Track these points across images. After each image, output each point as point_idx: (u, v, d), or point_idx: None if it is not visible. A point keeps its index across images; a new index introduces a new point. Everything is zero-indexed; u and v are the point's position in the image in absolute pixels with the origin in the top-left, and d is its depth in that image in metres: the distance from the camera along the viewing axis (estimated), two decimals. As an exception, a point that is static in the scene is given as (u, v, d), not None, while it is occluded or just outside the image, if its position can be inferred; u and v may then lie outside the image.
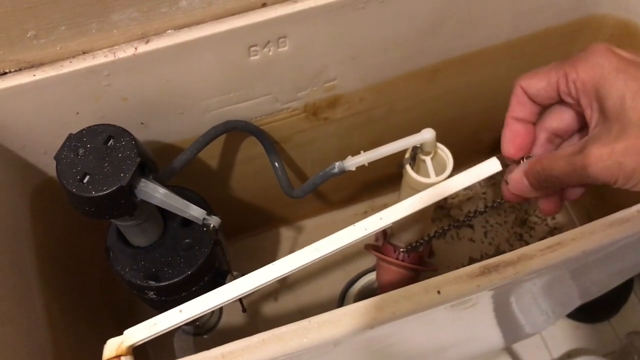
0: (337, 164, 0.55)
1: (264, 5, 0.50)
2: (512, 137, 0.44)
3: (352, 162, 0.54)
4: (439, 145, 0.58)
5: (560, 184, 0.41)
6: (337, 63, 0.57)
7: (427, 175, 0.57)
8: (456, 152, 0.54)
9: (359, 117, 0.66)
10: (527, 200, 0.44)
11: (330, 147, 0.69)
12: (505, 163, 0.45)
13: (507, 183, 0.45)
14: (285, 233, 0.85)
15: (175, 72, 0.51)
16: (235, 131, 0.59)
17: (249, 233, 0.84)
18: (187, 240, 0.55)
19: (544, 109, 0.44)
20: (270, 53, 0.53)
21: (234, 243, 0.83)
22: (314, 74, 0.57)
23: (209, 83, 0.54)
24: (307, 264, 0.43)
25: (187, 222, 0.56)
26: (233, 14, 0.50)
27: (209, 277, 0.56)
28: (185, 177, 0.56)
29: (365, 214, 0.86)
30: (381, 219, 0.45)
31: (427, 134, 0.54)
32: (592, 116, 0.40)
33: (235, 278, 0.56)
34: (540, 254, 0.40)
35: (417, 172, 0.57)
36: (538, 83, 0.42)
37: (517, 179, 0.43)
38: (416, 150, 0.56)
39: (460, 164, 0.53)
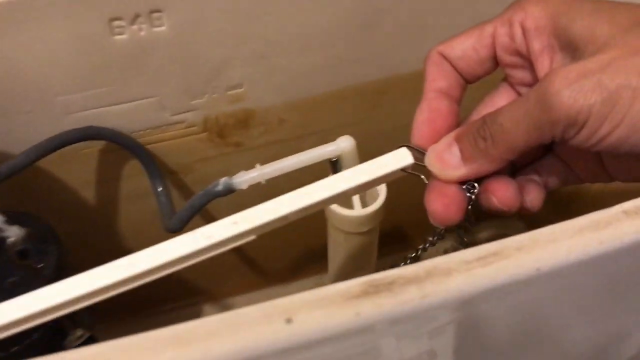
0: (222, 180, 0.40)
1: (131, -35, 0.39)
2: (431, 116, 0.31)
3: (244, 179, 0.40)
4: (369, 169, 0.43)
5: (509, 144, 0.27)
6: (241, 61, 0.45)
7: (351, 207, 0.42)
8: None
9: (283, 146, 0.52)
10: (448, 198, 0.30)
11: (250, 188, 0.54)
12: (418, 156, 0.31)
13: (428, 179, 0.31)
14: (207, 312, 0.69)
15: (13, 45, 0.39)
16: (101, 141, 0.45)
17: (159, 308, 0.68)
18: (13, 279, 0.40)
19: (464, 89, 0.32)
20: (143, 33, 0.41)
21: (139, 321, 0.67)
22: (210, 73, 0.44)
23: (65, 69, 0.41)
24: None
25: (24, 253, 0.42)
26: (88, -28, 0.38)
27: (40, 333, 0.41)
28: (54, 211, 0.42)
29: (313, 294, 0.70)
30: (235, 222, 0.30)
31: (344, 143, 0.40)
32: (550, 62, 0.29)
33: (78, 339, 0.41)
34: (464, 268, 0.24)
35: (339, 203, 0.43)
36: (464, 42, 0.31)
37: (441, 149, 0.30)
38: (334, 168, 0.41)
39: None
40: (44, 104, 0.42)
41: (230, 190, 0.40)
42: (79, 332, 0.42)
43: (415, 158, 0.30)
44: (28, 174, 0.45)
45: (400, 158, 0.30)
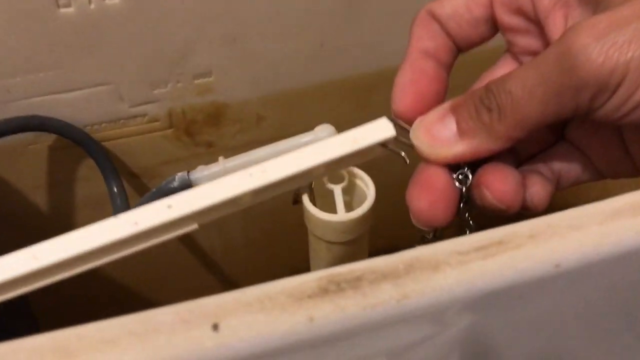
0: (178, 175, 0.34)
1: None
2: (414, 77, 0.25)
3: (204, 174, 0.34)
4: (353, 169, 0.37)
5: (520, 117, 0.21)
6: (208, 45, 0.39)
7: (334, 211, 0.36)
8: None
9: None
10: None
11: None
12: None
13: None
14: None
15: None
16: (50, 138, 0.39)
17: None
18: None
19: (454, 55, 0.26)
20: (92, 6, 0.35)
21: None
22: (173, 57, 0.39)
23: (4, 48, 0.36)
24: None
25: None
26: None
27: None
28: None
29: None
30: (170, 206, 0.23)
31: (323, 132, 0.34)
32: (564, 20, 0.23)
33: None
34: (457, 260, 0.18)
35: (321, 207, 0.37)
36: (459, 6, 0.25)
37: (432, 120, 0.23)
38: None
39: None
40: (-19, 88, 0.37)
41: (187, 187, 0.34)
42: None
43: (399, 133, 0.24)
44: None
45: (379, 130, 0.24)
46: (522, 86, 0.21)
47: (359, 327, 0.17)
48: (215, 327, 0.17)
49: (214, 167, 0.34)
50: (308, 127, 0.46)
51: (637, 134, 0.24)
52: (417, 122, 0.24)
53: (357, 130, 0.24)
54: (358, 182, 0.38)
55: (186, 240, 0.52)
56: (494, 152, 0.23)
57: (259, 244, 0.55)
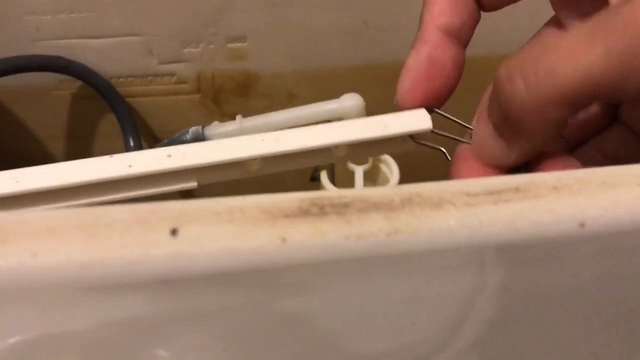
0: (192, 129, 0.33)
1: None
2: (431, 71, 0.22)
3: (218, 131, 0.32)
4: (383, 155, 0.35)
5: (567, 102, 0.17)
6: (246, 5, 0.37)
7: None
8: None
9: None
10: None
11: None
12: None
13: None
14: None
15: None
16: (74, 86, 0.38)
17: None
18: None
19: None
20: (133, -53, 0.34)
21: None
22: (208, 14, 0.37)
23: (36, -20, 0.35)
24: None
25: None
26: None
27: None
28: None
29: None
30: (169, 155, 0.21)
31: (349, 101, 0.32)
32: None
33: None
34: (464, 201, 0.15)
35: (339, 187, 0.35)
36: None
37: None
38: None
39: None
40: (11, 20, 0.36)
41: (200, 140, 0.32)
42: None
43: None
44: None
45: (415, 120, 0.22)
46: (567, 62, 0.17)
47: (339, 259, 0.15)
48: (174, 232, 0.15)
49: (230, 125, 0.32)
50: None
51: None
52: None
53: (390, 115, 0.22)
54: (382, 166, 0.36)
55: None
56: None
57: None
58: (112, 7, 0.36)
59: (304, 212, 0.15)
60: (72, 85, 0.39)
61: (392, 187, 0.16)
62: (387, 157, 0.35)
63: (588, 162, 0.23)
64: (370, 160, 0.35)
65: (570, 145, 0.24)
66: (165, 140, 0.33)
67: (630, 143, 0.23)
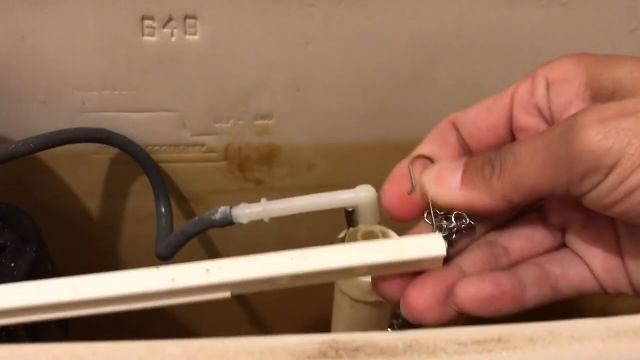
0: (221, 208, 0.36)
1: (174, -34, 0.36)
2: (397, 178, 0.28)
3: (245, 212, 0.36)
4: (388, 231, 0.39)
5: (517, 178, 0.23)
6: (274, 90, 0.41)
7: (362, 269, 0.37)
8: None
9: (306, 193, 0.48)
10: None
11: (266, 231, 0.50)
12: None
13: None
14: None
15: (35, 25, 0.37)
16: (112, 151, 0.42)
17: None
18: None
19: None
20: (173, 38, 0.38)
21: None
22: (239, 95, 0.41)
23: (85, 61, 0.39)
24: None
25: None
26: (129, -35, 0.36)
27: None
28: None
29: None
30: (207, 270, 0.25)
31: (363, 192, 0.35)
32: None
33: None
34: (455, 350, 0.19)
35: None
36: (479, 105, 0.28)
37: (445, 168, 0.25)
38: (349, 220, 0.36)
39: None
40: (61, 95, 0.40)
41: (228, 222, 0.36)
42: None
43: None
44: (31, 167, 0.43)
45: (430, 246, 0.25)
46: (525, 149, 0.22)
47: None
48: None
49: (255, 207, 0.36)
50: (356, 181, 0.47)
51: (632, 241, 0.24)
52: (434, 166, 0.26)
53: (408, 239, 0.25)
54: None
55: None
56: (487, 208, 0.24)
57: (289, 291, 0.56)
58: (152, 86, 0.40)
59: (322, 354, 0.19)
60: (110, 150, 0.43)
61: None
62: (394, 235, 0.38)
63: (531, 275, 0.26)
64: (380, 237, 0.38)
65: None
66: (196, 218, 0.37)
67: (574, 264, 0.26)
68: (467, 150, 0.28)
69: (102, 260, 0.52)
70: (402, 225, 0.38)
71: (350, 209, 0.36)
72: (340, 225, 0.37)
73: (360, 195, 0.35)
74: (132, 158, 0.42)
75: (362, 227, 0.37)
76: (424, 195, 0.26)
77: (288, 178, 0.47)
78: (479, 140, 0.27)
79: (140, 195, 0.46)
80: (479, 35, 0.40)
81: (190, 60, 0.39)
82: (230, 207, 0.36)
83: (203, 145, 0.44)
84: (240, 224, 0.36)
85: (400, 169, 0.28)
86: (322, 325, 0.62)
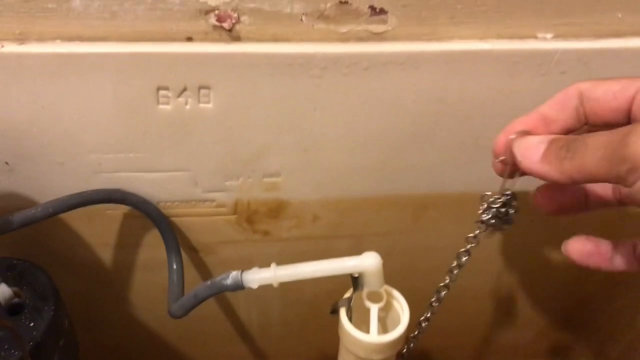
0: (232, 273, 0.38)
1: (188, 39, 0.38)
2: (523, 124, 0.33)
3: (255, 277, 0.38)
4: (392, 290, 0.40)
5: (583, 164, 0.27)
6: (282, 150, 0.43)
7: (367, 330, 0.39)
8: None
9: (312, 244, 0.49)
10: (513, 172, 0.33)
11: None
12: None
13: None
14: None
15: (55, 95, 0.38)
16: (126, 207, 0.44)
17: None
18: None
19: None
20: (188, 106, 0.39)
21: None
22: (248, 156, 0.43)
23: (102, 127, 0.40)
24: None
25: (17, 308, 0.40)
26: (144, 40, 0.38)
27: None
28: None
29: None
30: None
31: (368, 260, 0.37)
32: None
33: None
34: None
35: (356, 323, 0.39)
36: (609, 86, 0.31)
37: (533, 142, 0.31)
38: (355, 285, 0.38)
39: None
40: (77, 158, 0.42)
41: (239, 287, 0.37)
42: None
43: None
44: (47, 224, 0.44)
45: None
46: (594, 142, 0.27)
47: None
48: None
49: (265, 272, 0.37)
50: (358, 232, 0.50)
51: None
52: (527, 137, 0.31)
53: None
54: (395, 303, 0.41)
55: (227, 309, 0.56)
56: (555, 181, 0.29)
57: (294, 326, 0.58)
58: (166, 149, 0.42)
59: None
60: (125, 207, 0.45)
61: None
62: (399, 296, 0.40)
63: None
64: (385, 298, 0.40)
65: None
66: (208, 282, 0.38)
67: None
68: (583, 119, 0.32)
69: (116, 308, 0.53)
70: (408, 286, 0.40)
71: (355, 275, 0.38)
72: (342, 278, 0.38)
73: (366, 262, 0.37)
74: (146, 216, 0.44)
75: (367, 289, 0.39)
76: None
77: (295, 229, 0.48)
78: (598, 116, 0.31)
79: (152, 247, 0.48)
80: (480, 101, 0.42)
81: (203, 126, 0.40)
82: (242, 272, 0.38)
83: (213, 201, 0.45)
84: (251, 288, 0.38)
85: (502, 138, 0.33)
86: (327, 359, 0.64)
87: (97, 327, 0.56)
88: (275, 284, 0.37)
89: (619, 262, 0.33)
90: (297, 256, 0.50)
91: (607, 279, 0.58)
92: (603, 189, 0.35)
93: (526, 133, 0.32)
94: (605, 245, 0.33)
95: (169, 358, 0.60)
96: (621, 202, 0.35)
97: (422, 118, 0.42)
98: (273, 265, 0.38)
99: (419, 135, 0.43)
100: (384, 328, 0.41)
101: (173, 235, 0.44)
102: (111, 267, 0.49)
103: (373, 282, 0.37)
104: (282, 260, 0.51)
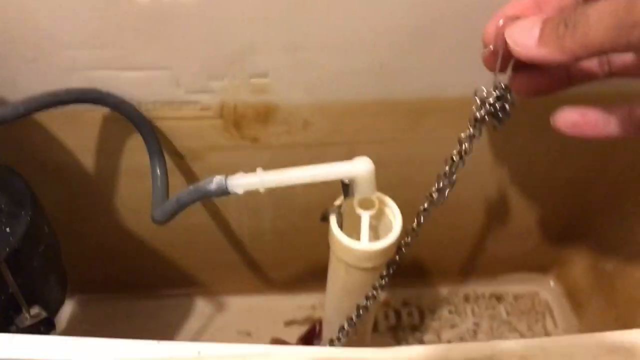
0: (216, 178, 0.36)
1: None
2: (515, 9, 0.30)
3: (240, 182, 0.35)
4: (384, 198, 0.38)
5: (586, 38, 0.25)
6: (270, 48, 0.40)
7: (358, 237, 0.37)
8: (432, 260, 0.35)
9: (304, 152, 0.47)
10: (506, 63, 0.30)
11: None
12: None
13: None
14: (200, 305, 0.65)
15: (20, -16, 0.35)
16: (105, 109, 0.41)
17: (149, 291, 0.64)
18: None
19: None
20: (166, -3, 0.36)
21: (119, 302, 0.63)
22: (234, 54, 0.40)
23: (77, 21, 0.37)
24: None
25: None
26: None
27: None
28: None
29: (314, 309, 0.65)
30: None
31: (360, 165, 0.35)
32: None
33: (32, 318, 0.37)
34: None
35: (347, 231, 0.38)
36: None
37: (524, 26, 0.28)
38: (346, 191, 0.36)
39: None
40: (50, 54, 0.39)
41: (223, 192, 0.35)
42: (34, 310, 0.38)
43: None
44: (22, 127, 0.42)
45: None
46: (597, 12, 0.24)
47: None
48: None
49: (251, 178, 0.35)
50: (351, 139, 0.47)
51: None
52: (517, 22, 0.28)
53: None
54: (387, 210, 0.39)
55: (217, 217, 0.54)
56: (557, 62, 0.26)
57: (285, 234, 0.56)
58: (144, 45, 0.38)
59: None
60: (104, 108, 0.42)
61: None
62: (391, 203, 0.38)
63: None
64: (377, 205, 0.38)
65: None
66: (191, 187, 0.36)
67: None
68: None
69: (101, 216, 0.52)
70: (402, 199, 0.38)
71: (346, 181, 0.35)
72: (336, 187, 0.36)
73: (357, 167, 0.35)
74: (126, 118, 0.41)
75: (358, 196, 0.37)
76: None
77: (285, 136, 0.46)
78: (551, 4, 0.30)
79: (136, 152, 0.45)
80: (485, -5, 0.38)
81: (183, 20, 0.37)
82: (226, 177, 0.35)
83: (197, 102, 0.43)
84: (236, 194, 0.36)
85: (491, 25, 0.30)
86: (320, 274, 0.63)
87: (82, 236, 0.55)
88: (261, 190, 0.35)
89: (613, 128, 0.31)
90: (288, 164, 0.48)
91: (609, 189, 0.56)
92: (587, 62, 0.33)
93: (517, 18, 0.29)
94: (593, 114, 0.31)
95: (157, 267, 0.59)
96: (611, 74, 0.32)
97: (422, 14, 0.39)
98: (259, 169, 0.36)
99: (419, 33, 0.40)
100: (375, 236, 0.39)
101: (155, 138, 0.42)
102: (93, 173, 0.47)
103: (364, 188, 0.35)
104: (271, 168, 0.49)
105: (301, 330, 0.63)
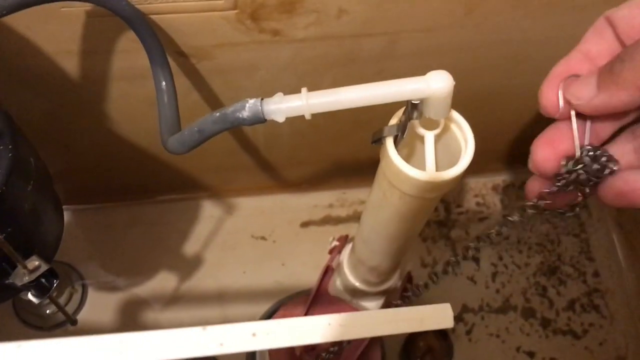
0: (249, 102, 0.28)
1: None
2: (564, 72, 0.27)
3: (281, 107, 0.28)
4: (456, 114, 0.31)
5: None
6: None
7: (422, 165, 0.30)
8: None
9: (335, 45, 0.39)
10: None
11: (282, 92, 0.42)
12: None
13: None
14: (208, 209, 0.59)
15: None
16: (86, 3, 0.32)
17: (153, 196, 0.58)
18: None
19: None
20: None
21: (119, 210, 0.57)
22: None
23: None
24: None
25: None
26: None
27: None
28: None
29: (331, 208, 0.60)
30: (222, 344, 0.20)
31: (436, 81, 0.27)
32: None
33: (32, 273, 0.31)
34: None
35: (405, 155, 0.31)
36: (634, 8, 0.26)
37: (582, 80, 0.25)
38: (412, 113, 0.29)
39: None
40: None
41: (259, 120, 0.28)
42: (32, 263, 0.32)
43: None
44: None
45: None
46: None
47: None
48: None
49: (294, 100, 0.27)
50: (393, 30, 0.39)
51: None
52: (573, 79, 0.26)
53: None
54: (453, 127, 0.32)
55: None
56: (624, 101, 0.24)
57: (305, 135, 0.50)
58: None
59: None
60: (85, 3, 0.33)
61: None
62: (459, 118, 0.31)
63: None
64: (442, 122, 0.31)
65: None
66: (217, 114, 0.28)
67: None
68: (624, 46, 0.26)
69: (93, 126, 0.44)
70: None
71: (416, 101, 0.28)
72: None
73: (433, 86, 0.27)
74: (114, 14, 0.32)
75: (427, 117, 0.30)
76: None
77: (313, 27, 0.37)
78: (628, 34, 0.26)
79: (128, 53, 0.37)
80: None
81: None
82: (262, 101, 0.28)
83: (206, -8, 0.33)
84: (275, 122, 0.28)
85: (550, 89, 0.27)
86: (342, 168, 0.57)
87: (74, 151, 0.47)
88: (307, 116, 0.28)
89: None
90: (314, 60, 0.40)
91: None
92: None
93: (574, 77, 0.26)
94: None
95: (158, 173, 0.53)
96: None
97: None
98: (304, 90, 0.28)
99: None
100: (438, 160, 0.32)
101: (156, 41, 0.33)
102: (80, 79, 0.39)
103: (437, 109, 0.28)
104: (295, 66, 0.41)
105: (319, 231, 0.58)
